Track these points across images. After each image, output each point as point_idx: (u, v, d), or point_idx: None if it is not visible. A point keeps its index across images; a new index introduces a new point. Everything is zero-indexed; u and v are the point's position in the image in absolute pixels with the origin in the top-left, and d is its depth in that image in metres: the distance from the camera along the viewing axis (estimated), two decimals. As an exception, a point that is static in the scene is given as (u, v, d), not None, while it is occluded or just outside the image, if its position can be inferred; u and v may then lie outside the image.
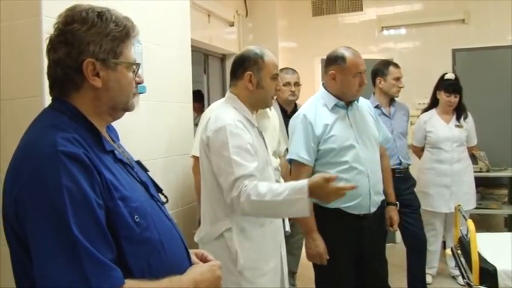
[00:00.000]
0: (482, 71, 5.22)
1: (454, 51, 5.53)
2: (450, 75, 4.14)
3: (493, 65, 5.32)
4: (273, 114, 3.24)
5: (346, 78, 2.60)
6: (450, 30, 5.55)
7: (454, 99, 4.07)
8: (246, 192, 1.91)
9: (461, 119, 4.13)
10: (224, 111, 2.14)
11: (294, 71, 3.87)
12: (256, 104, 2.25)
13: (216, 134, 2.05)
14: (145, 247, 1.21)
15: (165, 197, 1.48)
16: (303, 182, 1.87)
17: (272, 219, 2.22)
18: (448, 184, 4.06)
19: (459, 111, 4.14)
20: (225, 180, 2.00)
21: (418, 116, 4.39)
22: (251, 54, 2.18)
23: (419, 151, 4.35)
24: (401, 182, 3.58)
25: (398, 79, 3.79)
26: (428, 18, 5.60)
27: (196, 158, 2.82)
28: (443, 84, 4.11)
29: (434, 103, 4.23)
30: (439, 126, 4.13)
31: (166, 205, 1.44)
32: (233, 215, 2.09)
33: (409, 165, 3.85)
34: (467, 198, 4.11)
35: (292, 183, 1.93)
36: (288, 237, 3.78)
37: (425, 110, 4.30)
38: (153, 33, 2.74)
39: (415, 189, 3.95)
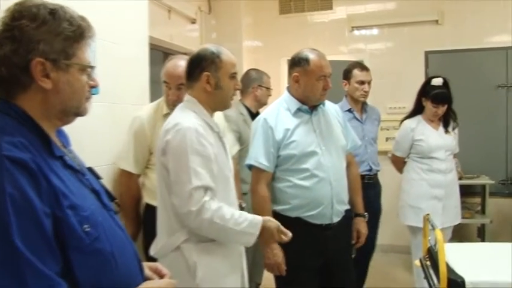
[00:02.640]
0: (456, 74, 5.08)
1: (427, 53, 5.66)
2: (438, 81, 3.77)
3: (467, 68, 5.46)
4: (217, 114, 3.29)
5: (309, 81, 2.66)
6: (423, 31, 5.67)
7: (442, 109, 3.77)
8: (210, 211, 2.01)
9: (450, 127, 3.88)
10: (183, 116, 2.16)
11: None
12: (215, 106, 2.27)
13: (174, 138, 2.07)
14: (96, 258, 1.21)
15: (118, 205, 1.48)
16: (259, 220, 2.13)
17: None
18: (441, 196, 3.79)
19: (447, 119, 3.87)
20: (181, 188, 2.03)
21: (399, 121, 4.11)
22: (207, 53, 2.20)
23: (401, 162, 4.05)
24: (371, 188, 3.65)
25: (362, 83, 3.81)
26: (401, 18, 5.72)
27: (122, 171, 2.84)
28: (431, 93, 3.75)
29: (418, 109, 3.90)
30: (429, 133, 3.83)
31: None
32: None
33: (378, 171, 3.93)
34: (456, 212, 3.93)
35: (250, 217, 2.14)
36: (254, 248, 3.83)
37: (408, 116, 3.98)
38: (107, 30, 2.72)
39: (401, 203, 3.92)
